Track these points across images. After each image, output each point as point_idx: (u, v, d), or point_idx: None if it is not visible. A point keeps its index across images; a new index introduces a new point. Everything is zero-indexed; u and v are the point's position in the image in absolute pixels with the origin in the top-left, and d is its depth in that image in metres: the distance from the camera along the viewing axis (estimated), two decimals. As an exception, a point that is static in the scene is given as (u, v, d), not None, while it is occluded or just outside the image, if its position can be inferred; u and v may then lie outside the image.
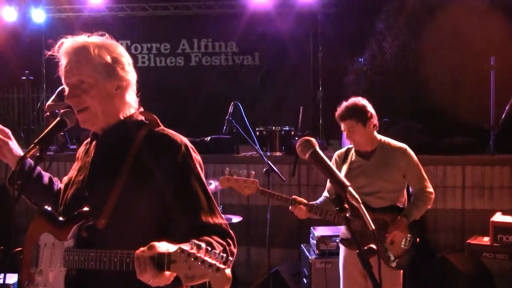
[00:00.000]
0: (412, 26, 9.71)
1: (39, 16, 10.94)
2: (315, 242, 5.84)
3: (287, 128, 8.07)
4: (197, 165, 2.20)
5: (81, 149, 2.43)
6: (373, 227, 2.01)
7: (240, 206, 7.12)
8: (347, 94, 4.55)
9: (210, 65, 11.40)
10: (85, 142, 2.43)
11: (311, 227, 6.06)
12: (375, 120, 4.37)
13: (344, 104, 4.38)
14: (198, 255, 1.71)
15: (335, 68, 10.19)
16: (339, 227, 5.54)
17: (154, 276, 1.81)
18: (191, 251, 1.72)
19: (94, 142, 2.32)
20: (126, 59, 2.26)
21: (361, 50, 9.82)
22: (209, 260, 1.70)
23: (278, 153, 7.83)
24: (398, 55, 9.69)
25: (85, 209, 2.12)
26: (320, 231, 5.92)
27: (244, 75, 11.10)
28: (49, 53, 2.22)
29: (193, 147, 2.23)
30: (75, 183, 2.29)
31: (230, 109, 5.68)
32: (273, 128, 7.98)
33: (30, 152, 2.15)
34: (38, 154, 2.16)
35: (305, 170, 7.18)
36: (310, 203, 4.29)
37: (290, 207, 4.25)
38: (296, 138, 8.13)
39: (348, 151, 4.55)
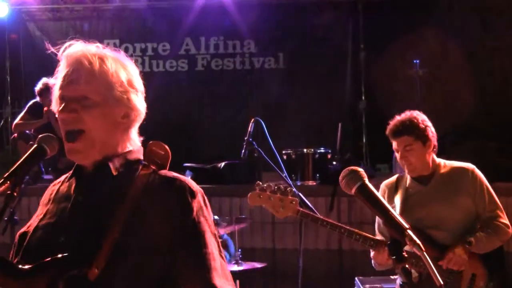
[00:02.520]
0: (485, 15, 9.72)
1: (1, 8, 11.05)
2: (361, 297, 5.83)
3: (322, 150, 8.11)
4: (211, 217, 2.32)
5: (50, 190, 2.42)
6: (441, 282, 2.02)
7: (264, 250, 7.17)
8: (398, 105, 4.59)
9: (222, 70, 11.46)
10: (57, 181, 2.43)
11: (356, 278, 6.05)
12: (435, 141, 4.48)
13: (398, 118, 4.48)
14: None
15: (382, 72, 10.17)
16: (392, 277, 5.54)
17: None
18: None
19: (73, 179, 2.33)
20: (140, 86, 2.36)
21: (415, 49, 9.83)
22: None
23: (311, 183, 7.88)
24: (465, 54, 9.68)
25: (65, 254, 2.09)
26: (368, 282, 5.90)
27: (266, 82, 11.09)
28: (52, 50, 2.27)
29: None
30: (40, 229, 2.27)
31: (250, 127, 5.74)
32: (305, 150, 8.05)
33: None
34: (9, 192, 2.14)
35: (346, 203, 7.21)
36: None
37: (372, 253, 4.26)
38: (334, 162, 8.14)
39: (399, 179, 4.64)
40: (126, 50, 11.34)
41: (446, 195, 4.39)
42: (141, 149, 2.38)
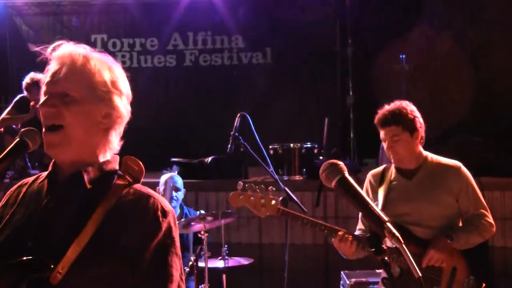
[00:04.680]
0: (470, 9, 9.74)
1: (-13, 3, 11.07)
2: (346, 291, 5.85)
3: (308, 145, 8.12)
4: (178, 238, 2.32)
5: (15, 191, 2.38)
6: (420, 274, 2.02)
7: (250, 245, 7.17)
8: (385, 101, 4.55)
9: (210, 65, 11.50)
10: (24, 182, 2.40)
11: (341, 272, 6.06)
12: (422, 132, 4.42)
13: (387, 107, 4.41)
14: None
15: (369, 67, 10.22)
16: (377, 271, 5.55)
17: None
18: None
19: (45, 183, 2.32)
20: (126, 90, 2.34)
21: (402, 43, 9.85)
22: None
23: (297, 177, 7.90)
24: (451, 48, 9.70)
25: (29, 258, 2.09)
26: (353, 276, 5.91)
27: (253, 77, 11.12)
28: (36, 49, 2.29)
29: None
30: (6, 231, 2.25)
31: (236, 122, 5.73)
32: (291, 145, 8.06)
33: None
34: None
35: (333, 198, 7.22)
36: (355, 234, 4.28)
37: (333, 240, 4.24)
38: (321, 157, 8.16)
39: (386, 170, 4.60)
40: (114, 45, 11.35)
41: (429, 192, 4.35)
42: (117, 158, 2.36)
